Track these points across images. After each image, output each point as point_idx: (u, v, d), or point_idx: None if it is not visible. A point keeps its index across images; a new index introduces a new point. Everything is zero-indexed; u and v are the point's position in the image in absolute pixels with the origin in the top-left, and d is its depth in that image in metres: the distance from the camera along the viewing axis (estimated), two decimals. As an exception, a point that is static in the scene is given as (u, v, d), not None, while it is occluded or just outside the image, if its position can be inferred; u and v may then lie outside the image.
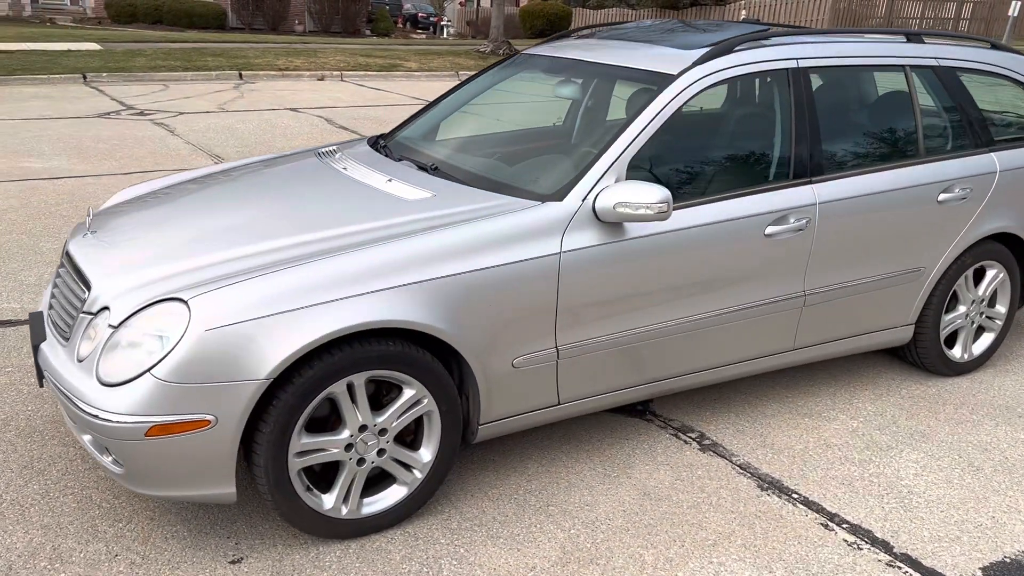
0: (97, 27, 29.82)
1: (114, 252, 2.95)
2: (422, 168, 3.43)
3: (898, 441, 3.58)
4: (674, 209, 3.18)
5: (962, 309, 4.14)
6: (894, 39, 4.00)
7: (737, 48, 3.49)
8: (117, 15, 31.87)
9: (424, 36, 37.81)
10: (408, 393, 2.79)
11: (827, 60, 3.66)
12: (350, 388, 2.69)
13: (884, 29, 4.20)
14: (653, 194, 2.95)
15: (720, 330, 3.38)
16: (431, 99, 6.40)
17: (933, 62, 3.95)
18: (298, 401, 2.59)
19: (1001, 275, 4.16)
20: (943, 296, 4.00)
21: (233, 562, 2.70)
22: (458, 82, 4.29)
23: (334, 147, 3.95)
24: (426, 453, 2.90)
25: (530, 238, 2.92)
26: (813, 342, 3.72)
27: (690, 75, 3.33)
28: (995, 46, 4.30)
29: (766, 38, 3.66)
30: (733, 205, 3.31)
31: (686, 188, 3.32)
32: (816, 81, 3.67)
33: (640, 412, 3.77)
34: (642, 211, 2.96)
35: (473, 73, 3.56)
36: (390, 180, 3.29)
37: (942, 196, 3.80)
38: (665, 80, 3.34)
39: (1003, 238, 4.14)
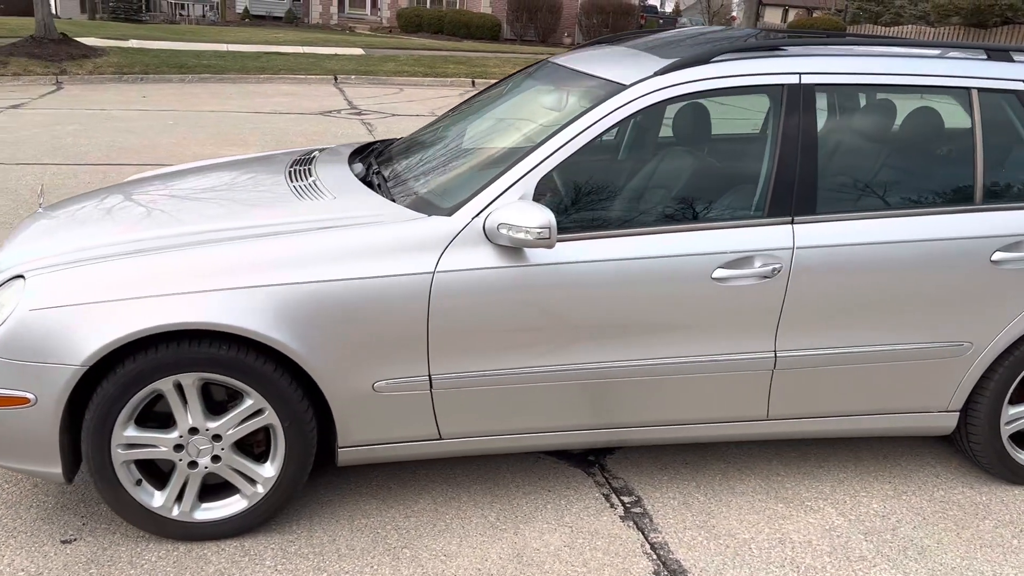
0: (388, 35, 32.50)
1: (35, 227, 3.09)
2: (357, 175, 3.28)
3: (881, 553, 2.87)
4: (591, 238, 2.78)
5: (1040, 403, 3.25)
6: (965, 55, 3.22)
7: (716, 59, 2.97)
8: (406, 25, 34.52)
9: (692, 52, 36.96)
10: (247, 402, 2.66)
11: (846, 77, 3.02)
12: (180, 387, 2.60)
13: (962, 44, 3.39)
14: (534, 217, 2.59)
15: (655, 384, 2.90)
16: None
17: (1020, 86, 3.13)
18: (119, 392, 2.56)
19: (1104, 364, 3.21)
20: (1006, 381, 3.16)
21: (64, 542, 2.73)
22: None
23: (329, 148, 3.89)
24: (270, 468, 2.75)
25: (402, 252, 2.68)
26: (797, 415, 3.09)
27: (643, 87, 2.89)
28: None
29: (775, 47, 3.09)
30: (670, 240, 2.83)
31: (611, 215, 2.88)
32: (826, 101, 3.04)
33: (591, 462, 3.35)
34: (521, 235, 2.62)
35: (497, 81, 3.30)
36: (312, 184, 3.16)
37: (999, 255, 3.00)
38: (613, 91, 2.92)
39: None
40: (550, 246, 2.63)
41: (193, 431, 2.66)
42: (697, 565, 2.75)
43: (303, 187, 3.10)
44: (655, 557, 2.78)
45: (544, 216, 2.58)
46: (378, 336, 2.66)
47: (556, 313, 2.76)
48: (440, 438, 2.86)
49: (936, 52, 3.23)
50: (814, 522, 3.02)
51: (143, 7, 48.14)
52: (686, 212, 2.92)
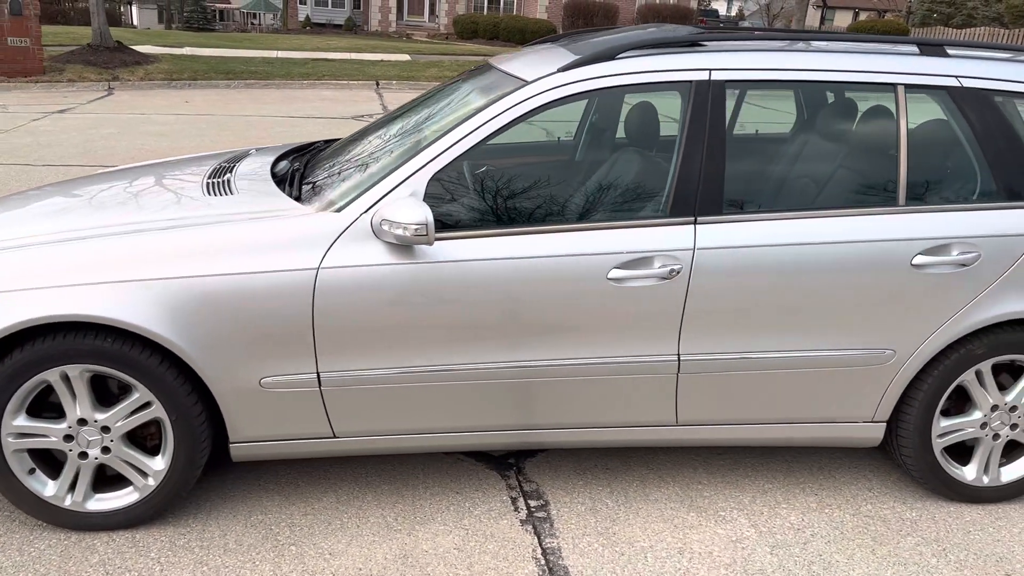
0: (443, 41, 32.80)
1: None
2: (277, 173, 3.30)
3: (783, 568, 2.76)
4: (485, 236, 2.74)
5: (976, 415, 3.08)
6: (897, 50, 3.09)
7: (622, 55, 2.91)
8: (462, 31, 34.82)
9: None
10: (135, 395, 2.69)
11: (760, 73, 2.92)
12: (67, 378, 2.65)
13: (897, 38, 3.25)
14: (412, 214, 2.57)
15: (559, 386, 2.84)
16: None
17: (952, 81, 2.98)
18: (6, 382, 2.61)
19: (1049, 377, 3.03)
20: (935, 392, 3.01)
21: (-35, 527, 2.79)
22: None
23: (268, 147, 3.92)
24: (160, 461, 2.78)
25: (288, 248, 2.68)
26: (708, 420, 2.99)
27: (544, 83, 2.84)
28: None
29: (694, 43, 3.01)
30: (566, 239, 2.77)
31: (507, 213, 2.84)
32: (739, 98, 2.95)
33: (510, 464, 3.30)
34: (399, 231, 2.60)
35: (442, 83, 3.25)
36: (226, 181, 3.19)
37: (921, 259, 2.86)
38: (515, 87, 2.88)
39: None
40: (428, 243, 2.60)
41: (82, 422, 2.70)
42: (584, 572, 2.68)
43: (216, 184, 3.13)
44: (543, 563, 2.72)
45: (421, 213, 2.56)
46: (263, 332, 2.66)
47: (449, 312, 2.72)
48: (335, 436, 2.85)
49: (867, 47, 3.10)
50: (722, 533, 2.92)
51: (217, 17, 49.56)
52: (585, 211, 2.86)
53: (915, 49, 3.08)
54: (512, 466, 3.28)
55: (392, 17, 39.60)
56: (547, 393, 2.86)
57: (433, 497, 3.06)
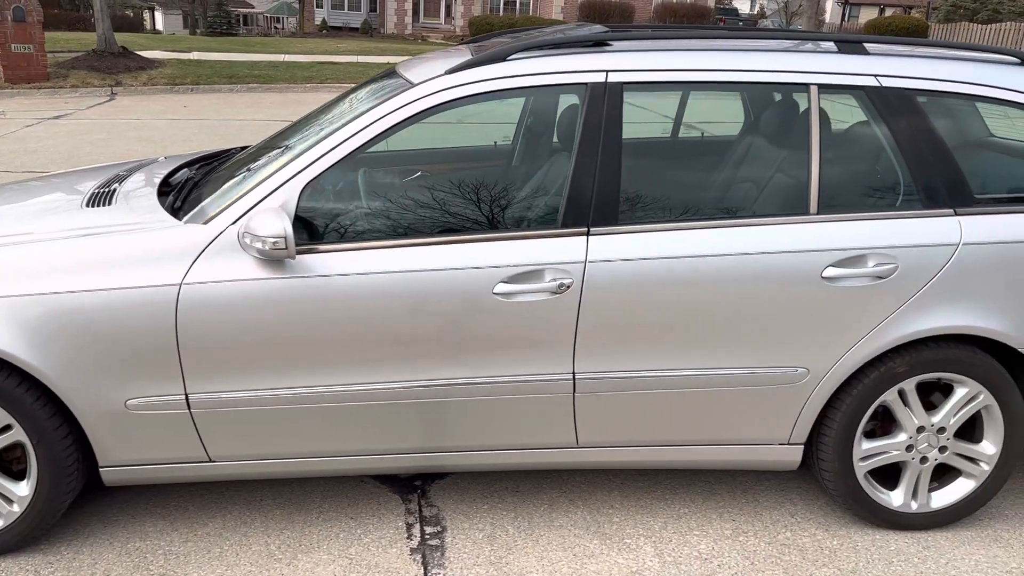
0: (459, 43, 32.75)
1: None
2: (168, 183, 3.17)
3: (681, 601, 2.58)
4: (364, 249, 2.60)
5: (902, 437, 2.88)
6: (814, 48, 2.90)
7: (515, 56, 2.75)
8: (478, 32, 34.78)
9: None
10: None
11: (663, 74, 2.74)
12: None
13: (821, 34, 3.06)
14: (269, 226, 2.43)
15: (452, 408, 2.69)
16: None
17: (870, 81, 2.79)
18: None
19: (981, 397, 2.82)
20: (855, 413, 2.81)
21: None
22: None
23: (175, 156, 3.80)
24: (25, 486, 2.67)
25: (150, 262, 2.55)
26: (611, 442, 2.82)
27: (429, 86, 2.69)
28: (1027, 62, 2.94)
29: (600, 43, 2.84)
30: (449, 252, 2.61)
31: (388, 224, 2.69)
32: (640, 100, 2.77)
33: (415, 487, 3.15)
34: (258, 244, 2.45)
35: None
36: (110, 192, 3.07)
37: (832, 271, 2.67)
38: (400, 90, 2.73)
39: (987, 345, 2.81)
40: (288, 256, 2.46)
41: (-52, 443, 2.58)
42: (464, 607, 2.52)
43: (100, 195, 3.01)
44: (423, 596, 2.56)
45: (280, 225, 2.41)
46: (125, 352, 2.53)
47: (328, 330, 2.58)
48: (210, 460, 2.71)
49: (782, 45, 2.92)
50: (623, 563, 2.74)
51: (240, 22, 49.90)
52: (472, 222, 2.70)
53: (833, 47, 2.88)
54: (417, 489, 3.13)
55: (408, 19, 39.61)
56: (440, 415, 2.71)
57: (325, 523, 2.91)
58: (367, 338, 2.60)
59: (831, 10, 58.50)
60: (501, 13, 40.24)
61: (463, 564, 2.72)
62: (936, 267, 2.68)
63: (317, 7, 40.90)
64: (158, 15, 56.03)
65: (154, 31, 48.96)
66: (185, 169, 3.37)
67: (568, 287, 2.60)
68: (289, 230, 2.42)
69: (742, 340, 2.69)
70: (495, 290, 2.59)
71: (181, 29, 50.37)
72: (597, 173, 2.66)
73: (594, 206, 2.65)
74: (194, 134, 10.73)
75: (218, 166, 3.34)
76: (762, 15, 55.59)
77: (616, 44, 2.87)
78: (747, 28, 3.44)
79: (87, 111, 13.16)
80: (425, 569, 2.69)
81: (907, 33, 26.77)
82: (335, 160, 2.62)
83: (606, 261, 2.62)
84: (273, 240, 2.41)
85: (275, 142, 3.20)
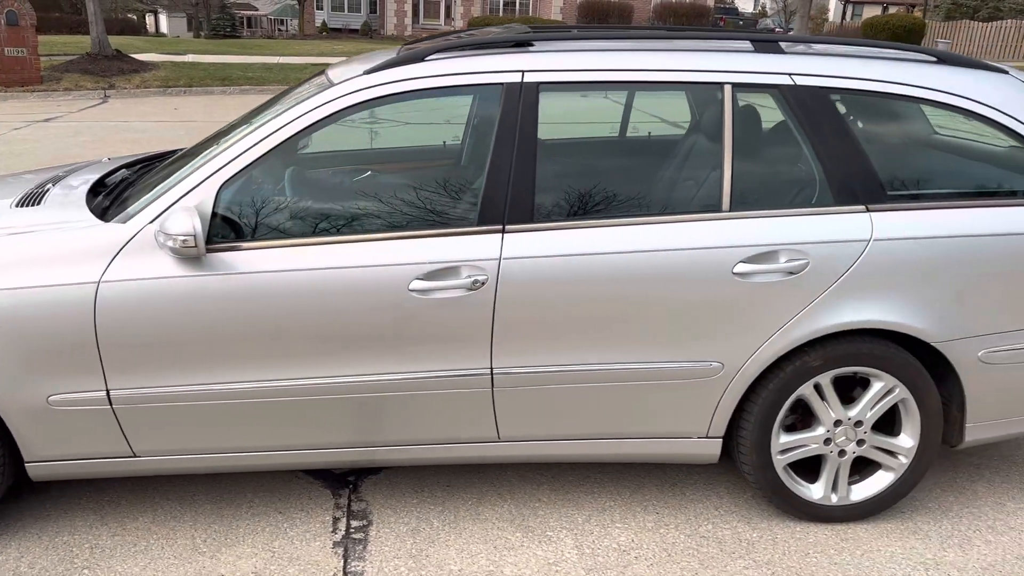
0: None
1: None
2: (104, 184, 3.22)
3: (592, 592, 2.63)
4: (282, 247, 2.66)
5: (819, 431, 2.92)
6: (729, 47, 2.94)
7: (432, 56, 2.79)
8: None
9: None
10: (-77, 412, 2.63)
11: (578, 74, 2.79)
12: None
13: (735, 33, 3.09)
14: (179, 225, 2.48)
15: (368, 402, 2.74)
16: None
17: (784, 79, 2.83)
18: None
19: (897, 391, 2.86)
20: (772, 407, 2.85)
21: None
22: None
23: (117, 158, 3.85)
24: (-47, 480, 2.71)
25: (70, 261, 2.60)
26: (531, 436, 2.87)
27: (346, 86, 2.74)
28: (945, 60, 2.97)
29: (521, 44, 2.89)
30: (366, 250, 2.66)
31: (306, 222, 2.73)
32: (555, 100, 2.82)
33: (348, 482, 3.20)
34: (169, 243, 2.50)
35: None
36: (43, 193, 3.12)
37: (743, 267, 2.71)
38: (320, 90, 2.78)
39: (903, 340, 2.85)
40: (196, 255, 2.51)
41: None
42: (377, 598, 2.57)
43: (31, 196, 3.07)
44: (339, 588, 2.61)
45: (188, 224, 2.46)
46: (46, 348, 2.59)
47: (247, 327, 2.63)
48: (135, 456, 2.77)
49: (701, 45, 2.96)
50: (541, 555, 2.79)
51: (244, 24, 50.02)
52: (390, 220, 2.74)
53: (750, 47, 2.92)
54: (349, 484, 3.18)
55: (408, 21, 39.70)
56: (362, 411, 2.75)
57: (253, 517, 2.96)
58: (287, 335, 2.65)
59: (834, 8, 58.42)
60: (501, 14, 40.31)
61: (383, 556, 2.77)
62: (847, 263, 2.72)
63: (317, 9, 41.02)
64: (163, 18, 56.23)
65: (158, 34, 49.16)
66: (123, 170, 3.42)
67: (483, 284, 2.65)
68: (198, 228, 2.47)
69: (656, 335, 2.74)
70: (411, 287, 2.63)
71: (186, 32, 50.55)
72: (512, 172, 2.71)
73: (509, 204, 2.70)
74: (181, 136, 10.80)
75: (156, 167, 3.39)
76: (763, 14, 55.56)
77: (538, 45, 2.92)
78: (675, 28, 3.48)
79: (78, 114, 13.26)
80: (345, 562, 2.74)
81: (904, 31, 26.70)
82: (251, 160, 2.67)
83: (521, 258, 2.67)
84: (183, 238, 2.47)
85: (209, 142, 3.25)
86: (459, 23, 38.66)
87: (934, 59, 2.96)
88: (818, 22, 50.15)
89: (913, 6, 49.02)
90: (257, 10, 58.11)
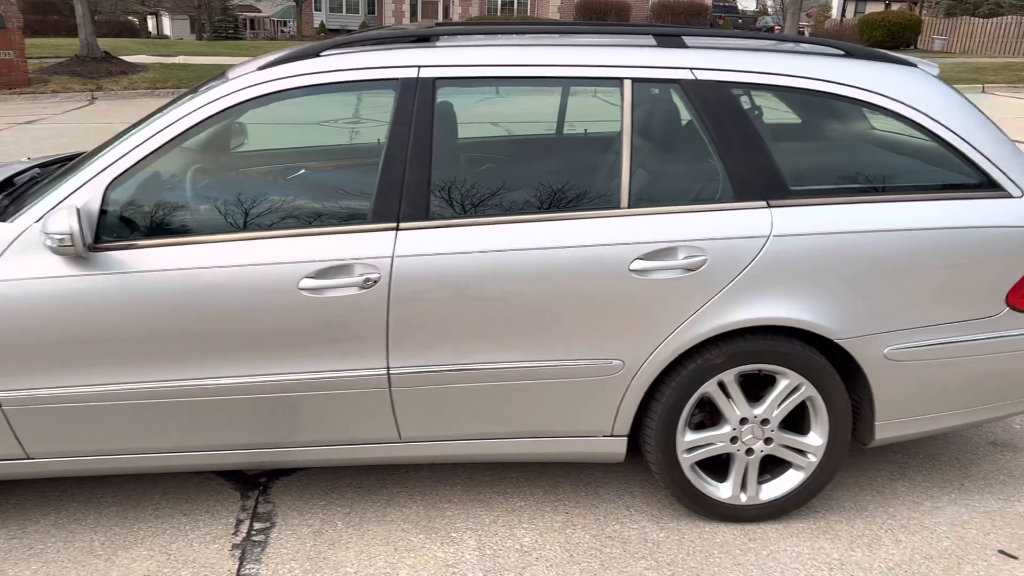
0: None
1: None
2: (12, 183, 3.20)
3: (486, 593, 2.60)
4: (169, 246, 2.63)
5: (726, 429, 2.88)
6: (631, 42, 2.90)
7: (326, 52, 2.77)
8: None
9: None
10: None
11: (476, 69, 2.76)
12: None
13: (639, 28, 3.06)
14: (59, 224, 2.46)
15: (264, 403, 2.71)
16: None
17: (685, 74, 2.79)
18: None
19: (803, 388, 2.82)
20: (675, 405, 2.82)
21: None
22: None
23: (51, 157, 3.83)
24: None
25: (-41, 263, 2.57)
26: (434, 436, 2.83)
27: (238, 83, 2.72)
28: (852, 54, 2.93)
29: (422, 39, 2.86)
30: (256, 248, 2.63)
31: (199, 220, 2.71)
32: (453, 96, 2.79)
33: (259, 484, 3.17)
34: (48, 242, 2.48)
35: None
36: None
37: (640, 264, 2.67)
38: (213, 86, 2.76)
39: (809, 337, 2.80)
40: (76, 255, 2.49)
41: None
42: (266, 601, 2.54)
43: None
44: (227, 591, 2.58)
45: (66, 223, 2.44)
46: (-67, 350, 2.56)
47: (135, 326, 2.60)
48: (29, 458, 2.74)
49: (602, 40, 2.92)
50: (441, 556, 2.76)
51: (247, 26, 50.08)
52: (283, 218, 2.71)
53: (653, 41, 2.89)
54: (259, 486, 3.15)
55: (406, 21, 39.70)
56: (263, 411, 2.73)
57: (157, 519, 2.94)
58: (180, 334, 2.62)
59: (837, 5, 58.21)
60: (499, 13, 40.27)
61: (280, 559, 2.74)
62: (746, 259, 2.68)
63: (316, 10, 41.07)
64: (166, 20, 56.36)
65: (160, 36, 49.25)
66: (36, 169, 3.40)
67: (375, 282, 2.62)
68: (75, 227, 2.44)
69: (555, 333, 2.70)
70: (301, 285, 2.60)
71: (189, 34, 50.64)
72: (407, 168, 2.67)
73: (404, 201, 2.67)
74: (158, 137, 10.76)
75: (53, 168, 3.37)
76: (764, 12, 55.40)
77: (444, 40, 2.89)
78: (580, 24, 3.44)
79: (62, 116, 13.27)
80: (240, 564, 2.71)
81: (899, 28, 26.60)
82: (139, 157, 2.64)
83: (415, 256, 2.63)
84: (59, 237, 2.44)
85: (111, 141, 3.23)
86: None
87: (841, 52, 2.92)
88: (820, 20, 50.00)
89: (915, 2, 48.81)
90: (260, 12, 58.22)
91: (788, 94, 2.84)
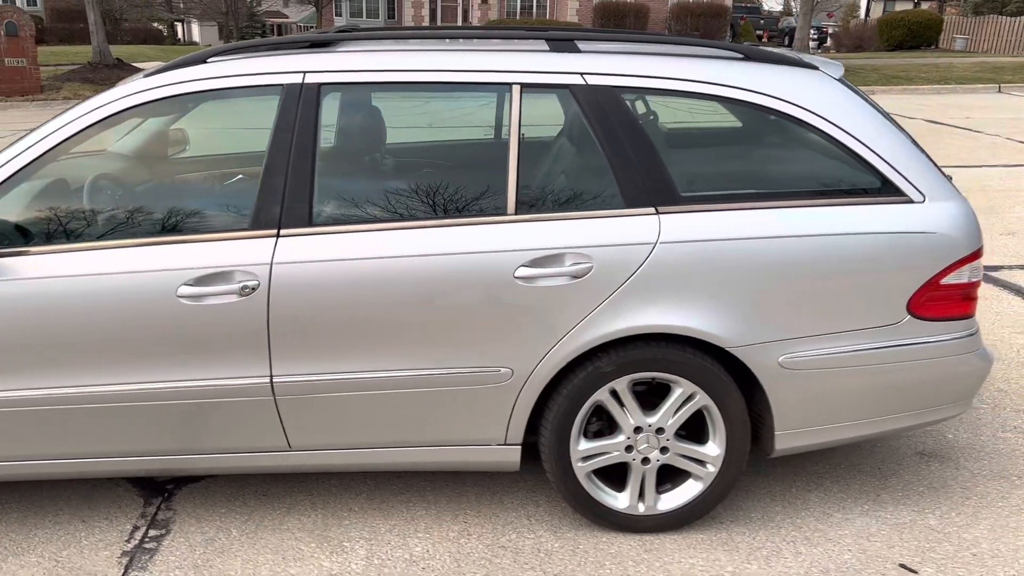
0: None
1: None
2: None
3: (363, 604, 2.57)
4: (51, 253, 2.63)
5: (620, 438, 2.84)
6: (526, 47, 2.87)
7: (213, 58, 2.76)
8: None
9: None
10: None
11: (364, 75, 2.74)
12: None
13: (533, 32, 3.02)
14: (-71, 231, 2.47)
15: (148, 412, 2.70)
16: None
17: (575, 79, 2.75)
18: None
19: (697, 397, 2.77)
20: (567, 413, 2.77)
21: None
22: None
23: None
24: None
25: None
26: (324, 445, 2.81)
27: (124, 89, 2.74)
28: (751, 57, 2.87)
29: (316, 44, 2.85)
30: (132, 256, 2.63)
31: (87, 227, 2.72)
32: (339, 102, 2.77)
33: (165, 490, 3.17)
34: (-76, 252, 2.49)
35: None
36: None
37: (525, 271, 2.64)
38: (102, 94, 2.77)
39: (705, 346, 2.75)
40: None
41: None
42: (141, 609, 2.53)
43: None
44: (108, 598, 2.58)
45: None
46: None
47: (20, 333, 2.61)
48: (-81, 462, 2.76)
49: (492, 45, 2.89)
50: (327, 566, 2.74)
51: (275, 31, 50.58)
52: (166, 225, 2.71)
53: (546, 46, 2.85)
54: (165, 492, 3.15)
55: (425, 24, 39.83)
56: (153, 419, 2.73)
57: (55, 525, 2.95)
58: (59, 342, 2.63)
59: (865, 5, 57.52)
60: (518, 17, 40.30)
61: (166, 567, 2.73)
62: (632, 266, 2.64)
63: (336, 15, 41.32)
64: (195, 26, 57.04)
65: (189, 43, 49.86)
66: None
67: (254, 289, 2.61)
68: None
69: (442, 341, 2.67)
70: (179, 292, 2.60)
71: (217, 40, 51.20)
72: (289, 175, 2.66)
73: (285, 208, 2.66)
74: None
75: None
76: (787, 12, 54.92)
77: (344, 45, 2.88)
78: (485, 28, 3.41)
79: (69, 122, 13.40)
80: (125, 571, 2.71)
81: (920, 27, 26.20)
82: (21, 165, 2.66)
83: (294, 263, 2.62)
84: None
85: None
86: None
87: (741, 56, 2.86)
88: (846, 19, 49.44)
89: (943, 1, 48.10)
90: (288, 17, 58.75)
91: (682, 99, 2.78)
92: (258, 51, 2.84)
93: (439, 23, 40.72)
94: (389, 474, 3.25)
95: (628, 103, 2.74)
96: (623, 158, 2.69)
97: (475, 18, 40.06)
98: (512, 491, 3.15)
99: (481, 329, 2.66)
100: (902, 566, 2.73)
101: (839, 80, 2.85)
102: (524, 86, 2.74)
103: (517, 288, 2.63)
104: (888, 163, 2.74)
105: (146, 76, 2.73)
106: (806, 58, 2.96)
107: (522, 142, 2.71)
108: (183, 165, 3.25)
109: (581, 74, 2.74)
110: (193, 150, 3.71)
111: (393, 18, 41.27)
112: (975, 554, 2.78)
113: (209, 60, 2.76)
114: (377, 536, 2.89)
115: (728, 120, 2.90)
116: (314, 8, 45.12)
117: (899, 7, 53.00)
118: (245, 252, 2.62)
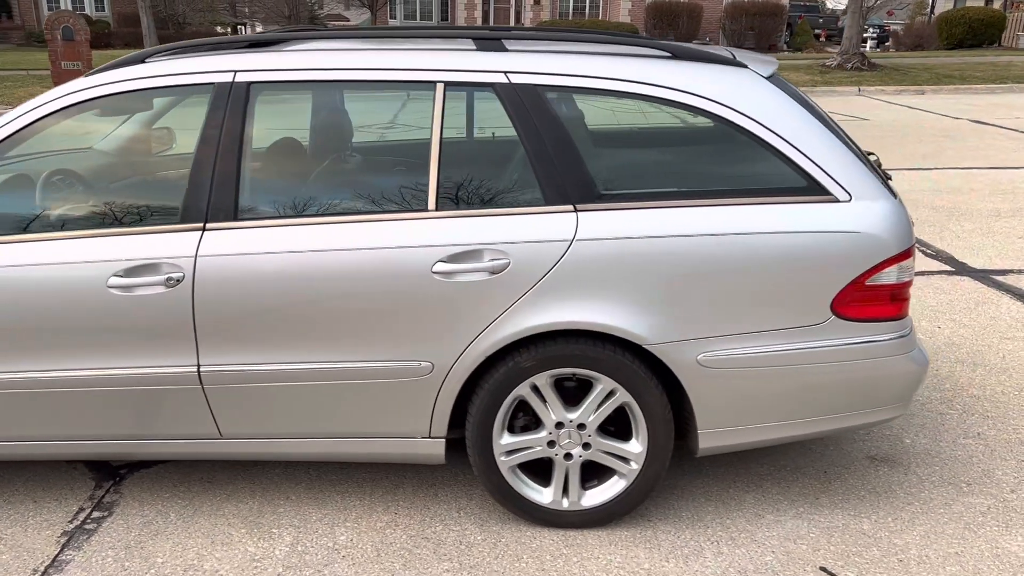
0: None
1: None
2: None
3: (277, 588, 2.64)
4: (-4, 245, 2.76)
5: (543, 433, 2.86)
6: (455, 46, 2.91)
7: (151, 58, 2.87)
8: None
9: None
10: None
11: (290, 73, 2.82)
12: None
13: (461, 31, 3.05)
14: None
15: (83, 398, 2.81)
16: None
17: (499, 78, 2.78)
18: None
19: (618, 393, 2.78)
20: (489, 407, 2.81)
21: None
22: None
23: None
24: None
25: None
26: (253, 434, 2.89)
27: (68, 87, 2.85)
28: (678, 55, 2.87)
29: (258, 44, 2.94)
30: (63, 247, 2.75)
31: (25, 219, 2.84)
32: (271, 100, 2.85)
33: (118, 474, 3.29)
34: None
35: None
36: None
37: (442, 267, 2.68)
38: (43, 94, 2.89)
39: (625, 343, 2.76)
40: None
41: None
42: (66, 586, 2.64)
43: None
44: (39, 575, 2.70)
45: None
46: None
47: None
48: None
49: (419, 44, 2.94)
50: (252, 551, 2.82)
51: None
52: (101, 218, 2.82)
53: (472, 44, 2.89)
54: (115, 475, 3.27)
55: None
56: (89, 405, 2.83)
57: (7, 505, 3.09)
58: (7, 328, 2.75)
59: (930, 2, 55.93)
60: (571, 17, 40.21)
61: (99, 547, 2.84)
62: (549, 263, 2.66)
63: (391, 17, 41.79)
64: (259, 29, 58.29)
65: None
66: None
67: (179, 281, 2.69)
68: None
69: (362, 334, 2.73)
70: (109, 283, 2.70)
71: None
72: (216, 170, 2.75)
73: (211, 202, 2.74)
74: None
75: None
76: (845, 11, 53.76)
77: (292, 44, 2.96)
78: (415, 27, 3.44)
79: (117, 123, 13.85)
80: (61, 550, 2.82)
81: (981, 25, 25.40)
82: (-31, 162, 2.78)
83: (218, 256, 2.70)
84: None
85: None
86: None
87: (667, 54, 2.86)
88: (912, 17, 48.18)
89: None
90: (348, 20, 59.64)
91: (606, 98, 2.79)
92: (197, 51, 2.93)
93: (491, 23, 40.86)
94: (330, 465, 3.32)
95: (554, 102, 2.76)
96: (544, 156, 2.71)
97: (527, 19, 40.09)
98: (449, 485, 3.19)
99: (401, 323, 2.71)
100: (822, 569, 2.69)
101: (768, 78, 2.82)
102: (448, 84, 2.78)
103: (435, 283, 2.67)
104: (814, 162, 2.71)
105: (86, 76, 2.84)
106: (738, 55, 2.93)
107: (444, 140, 2.75)
108: (143, 163, 3.37)
109: (505, 72, 2.77)
110: (176, 150, 3.84)
111: (446, 19, 41.55)
112: (901, 560, 2.73)
113: (147, 60, 2.86)
114: (307, 524, 2.96)
115: (660, 119, 2.90)
116: (369, 11, 45.72)
117: (939, 4, 51.43)
118: (171, 245, 2.71)
